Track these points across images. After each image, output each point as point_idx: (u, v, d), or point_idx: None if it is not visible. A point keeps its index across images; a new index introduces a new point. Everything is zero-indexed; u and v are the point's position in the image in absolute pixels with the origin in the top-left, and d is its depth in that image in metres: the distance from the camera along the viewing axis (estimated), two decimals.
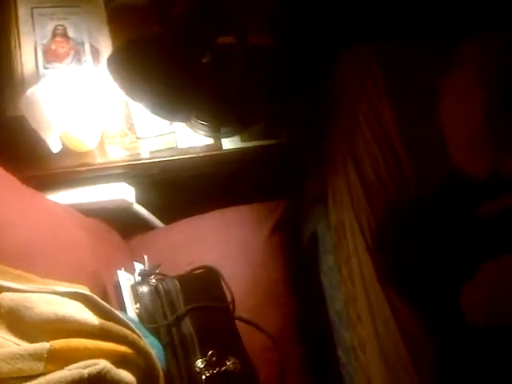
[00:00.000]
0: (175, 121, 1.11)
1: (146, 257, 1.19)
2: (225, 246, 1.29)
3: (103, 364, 0.72)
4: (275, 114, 1.28)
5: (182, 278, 1.16)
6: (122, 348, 0.78)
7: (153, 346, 0.92)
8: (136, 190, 1.28)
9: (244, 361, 1.13)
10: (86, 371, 0.69)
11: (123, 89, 1.05)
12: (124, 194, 1.19)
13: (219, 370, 1.07)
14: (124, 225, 1.35)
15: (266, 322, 1.21)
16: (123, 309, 1.05)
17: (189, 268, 1.25)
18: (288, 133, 1.27)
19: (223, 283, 1.23)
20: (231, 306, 1.21)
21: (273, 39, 1.34)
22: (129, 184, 1.23)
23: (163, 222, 1.40)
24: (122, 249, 1.24)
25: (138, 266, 1.16)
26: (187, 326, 1.09)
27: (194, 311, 1.12)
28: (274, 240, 1.31)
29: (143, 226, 1.37)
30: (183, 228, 1.36)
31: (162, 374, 0.85)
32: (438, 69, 1.26)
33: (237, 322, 1.20)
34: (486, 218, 1.08)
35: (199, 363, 1.06)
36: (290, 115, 1.28)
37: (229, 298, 1.20)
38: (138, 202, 1.31)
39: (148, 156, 1.20)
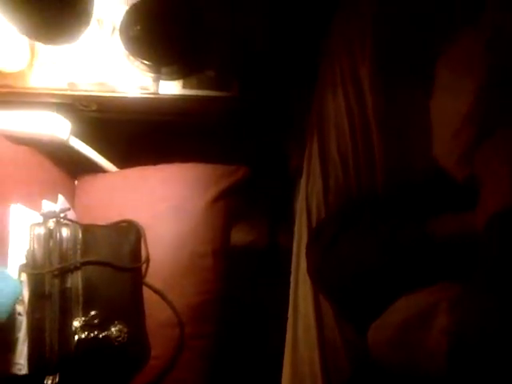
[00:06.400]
0: (56, 44, 0.94)
1: (60, 196, 1.10)
2: (159, 203, 1.15)
3: None
4: (232, 60, 1.07)
5: (89, 228, 1.05)
6: None
7: None
8: (84, 131, 1.17)
9: (135, 331, 1.02)
10: None
11: None
12: (53, 124, 1.08)
13: (98, 334, 0.97)
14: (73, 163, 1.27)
15: (178, 296, 1.08)
16: (6, 246, 0.98)
17: (116, 219, 1.15)
18: (241, 85, 1.06)
19: (143, 244, 1.12)
20: (143, 271, 1.10)
21: None
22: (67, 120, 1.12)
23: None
24: (52, 183, 1.16)
25: (48, 206, 1.07)
26: (76, 279, 1.00)
27: (91, 266, 1.02)
28: (216, 207, 1.16)
29: (95, 169, 1.28)
30: (127, 176, 1.24)
31: None
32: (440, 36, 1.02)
33: (146, 289, 1.09)
34: (437, 240, 0.87)
35: (76, 322, 0.97)
36: (249, 63, 1.06)
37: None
38: (89, 145, 1.21)
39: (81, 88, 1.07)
